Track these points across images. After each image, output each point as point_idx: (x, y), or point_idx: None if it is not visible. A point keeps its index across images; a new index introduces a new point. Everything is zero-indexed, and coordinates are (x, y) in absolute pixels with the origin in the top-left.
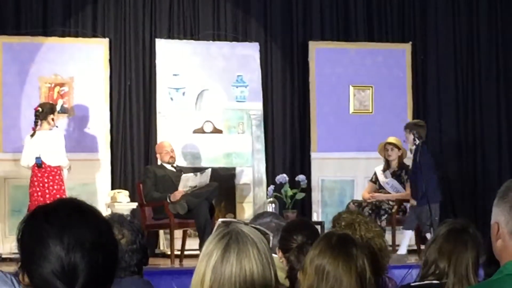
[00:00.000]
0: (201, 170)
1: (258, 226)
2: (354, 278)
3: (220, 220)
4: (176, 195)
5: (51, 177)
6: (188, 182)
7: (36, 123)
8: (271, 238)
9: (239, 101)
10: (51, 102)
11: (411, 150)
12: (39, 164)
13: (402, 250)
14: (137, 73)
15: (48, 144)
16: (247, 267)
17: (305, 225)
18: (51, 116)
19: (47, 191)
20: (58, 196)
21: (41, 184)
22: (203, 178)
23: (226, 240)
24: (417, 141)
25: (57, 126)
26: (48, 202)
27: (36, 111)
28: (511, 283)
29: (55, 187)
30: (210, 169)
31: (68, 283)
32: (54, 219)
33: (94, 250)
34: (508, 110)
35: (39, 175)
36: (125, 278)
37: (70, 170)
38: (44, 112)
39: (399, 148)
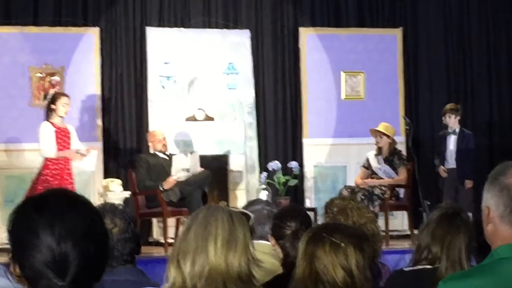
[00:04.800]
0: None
1: (240, 209)
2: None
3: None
4: (170, 182)
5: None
6: (180, 163)
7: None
8: (252, 217)
9: (231, 89)
10: (56, 91)
11: (454, 132)
12: None
13: None
14: (128, 62)
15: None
16: (213, 225)
17: (297, 211)
18: (52, 106)
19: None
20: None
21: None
22: (193, 160)
23: (199, 210)
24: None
25: (61, 117)
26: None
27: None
28: (502, 266)
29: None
30: (198, 152)
31: (59, 273)
32: (44, 210)
33: (85, 240)
34: (500, 94)
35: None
36: (117, 267)
37: (81, 157)
38: (48, 103)
39: (388, 136)
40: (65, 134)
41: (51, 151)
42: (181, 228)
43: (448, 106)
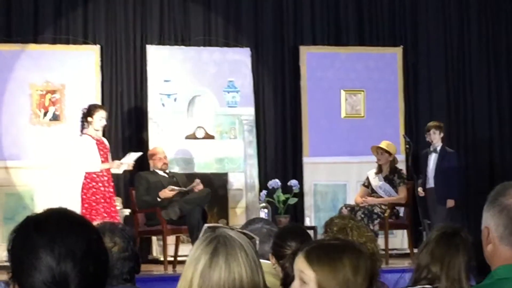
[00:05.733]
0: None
1: (244, 231)
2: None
3: (206, 225)
4: (166, 192)
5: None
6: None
7: (81, 126)
8: (257, 242)
9: (231, 107)
10: (94, 103)
11: (435, 151)
12: None
13: None
14: (128, 80)
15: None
16: (236, 271)
17: (298, 231)
18: (88, 118)
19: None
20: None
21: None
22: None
23: (214, 245)
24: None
25: (96, 130)
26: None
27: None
28: (502, 287)
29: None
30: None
31: None
32: (44, 229)
33: (85, 260)
34: (499, 113)
35: None
36: (117, 286)
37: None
38: (83, 115)
39: (389, 153)
40: (104, 146)
41: (96, 165)
42: (189, 251)
43: (432, 122)
